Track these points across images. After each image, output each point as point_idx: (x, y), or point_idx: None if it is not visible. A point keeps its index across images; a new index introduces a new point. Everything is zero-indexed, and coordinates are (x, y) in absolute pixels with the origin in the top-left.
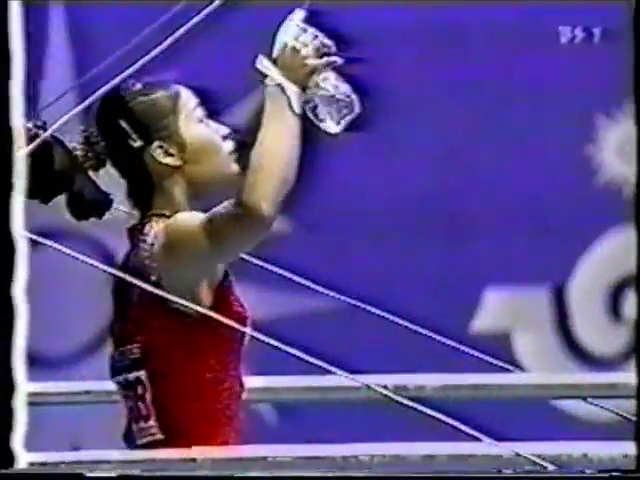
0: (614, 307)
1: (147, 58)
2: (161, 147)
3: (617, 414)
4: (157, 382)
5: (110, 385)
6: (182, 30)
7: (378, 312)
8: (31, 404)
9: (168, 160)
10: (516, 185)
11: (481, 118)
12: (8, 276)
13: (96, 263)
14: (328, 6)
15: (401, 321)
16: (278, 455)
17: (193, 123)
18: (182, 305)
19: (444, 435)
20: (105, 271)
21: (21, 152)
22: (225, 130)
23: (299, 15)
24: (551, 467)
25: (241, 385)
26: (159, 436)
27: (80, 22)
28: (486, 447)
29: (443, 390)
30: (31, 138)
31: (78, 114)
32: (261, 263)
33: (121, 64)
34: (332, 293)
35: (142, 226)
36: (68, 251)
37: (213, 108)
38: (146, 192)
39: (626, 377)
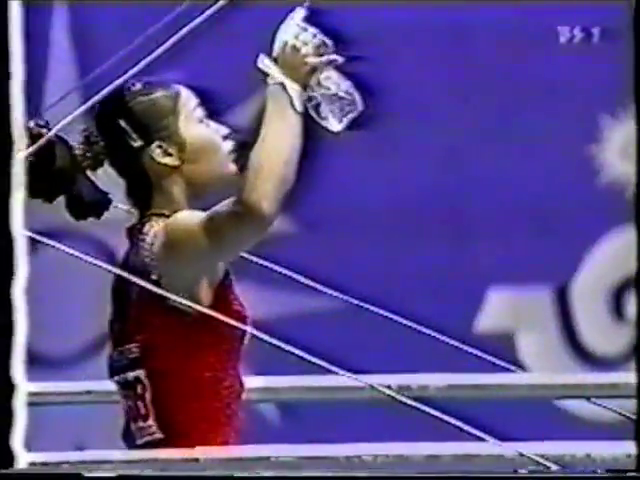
0: (617, 307)
1: (151, 58)
2: (160, 147)
3: (620, 414)
4: (156, 381)
5: (112, 385)
6: (186, 30)
7: (381, 312)
8: (33, 404)
9: (167, 160)
10: (519, 185)
11: (484, 117)
12: (8, 276)
13: (95, 261)
14: (329, 5)
15: (404, 321)
16: (281, 455)
17: (193, 123)
18: (182, 304)
19: (447, 435)
20: (105, 269)
21: (24, 152)
22: (225, 130)
23: (299, 14)
24: (554, 467)
25: (241, 384)
26: (158, 435)
27: (83, 22)
28: (490, 447)
29: (446, 390)
30: (33, 137)
31: (78, 114)
32: (263, 262)
33: (124, 64)
34: (334, 293)
35: (141, 225)
36: (69, 250)
37: (214, 108)
38: (145, 192)
39: (629, 377)
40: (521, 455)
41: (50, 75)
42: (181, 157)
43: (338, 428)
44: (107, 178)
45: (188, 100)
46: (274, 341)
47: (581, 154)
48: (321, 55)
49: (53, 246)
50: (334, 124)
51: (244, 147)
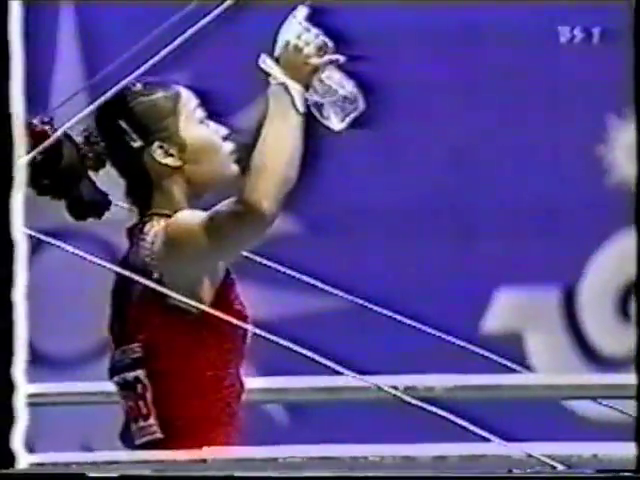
0: (624, 308)
1: (157, 59)
2: (161, 147)
3: (627, 415)
4: (158, 380)
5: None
6: (192, 31)
7: (387, 312)
8: (37, 405)
9: (168, 160)
10: (526, 185)
11: (489, 117)
12: (10, 276)
13: (96, 260)
14: (330, 5)
15: (411, 321)
16: (288, 456)
17: (193, 124)
18: (182, 303)
19: (454, 436)
20: (106, 268)
21: (29, 152)
22: (225, 131)
23: (301, 12)
24: (561, 467)
25: (241, 384)
26: (159, 435)
27: (89, 22)
28: (496, 448)
29: (453, 391)
30: (37, 134)
31: (86, 114)
32: (267, 262)
33: (130, 65)
34: (340, 293)
35: (142, 225)
36: (73, 249)
37: (215, 109)
38: (145, 191)
39: (635, 378)
40: (528, 456)
41: (56, 75)
42: (182, 158)
43: (345, 429)
44: (107, 178)
45: (188, 101)
46: (282, 341)
47: (588, 155)
48: (323, 55)
49: (58, 246)
50: (336, 124)
51: (245, 148)
